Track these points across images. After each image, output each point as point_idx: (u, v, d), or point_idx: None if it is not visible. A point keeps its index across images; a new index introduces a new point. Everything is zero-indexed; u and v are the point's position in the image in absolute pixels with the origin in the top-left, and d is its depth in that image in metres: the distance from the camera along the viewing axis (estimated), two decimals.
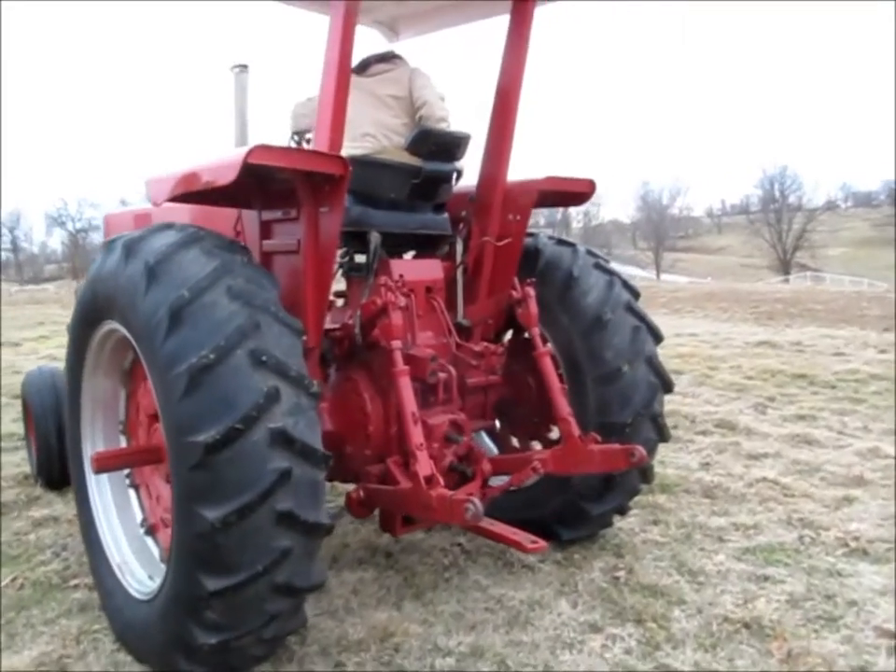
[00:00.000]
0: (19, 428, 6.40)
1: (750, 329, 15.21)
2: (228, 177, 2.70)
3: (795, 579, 3.71)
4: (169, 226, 2.92)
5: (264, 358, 2.49)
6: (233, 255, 2.79)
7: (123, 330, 2.87)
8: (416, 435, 2.95)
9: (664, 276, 64.23)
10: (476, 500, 2.59)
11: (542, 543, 2.96)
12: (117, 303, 2.84)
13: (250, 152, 2.63)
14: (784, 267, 66.81)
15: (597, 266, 3.92)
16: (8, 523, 4.56)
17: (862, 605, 3.44)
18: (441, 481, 2.84)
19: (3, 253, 69.09)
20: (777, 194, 75.81)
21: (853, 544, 4.13)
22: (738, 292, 27.45)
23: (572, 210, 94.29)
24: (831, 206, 79.12)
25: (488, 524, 3.17)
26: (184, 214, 3.80)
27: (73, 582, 3.70)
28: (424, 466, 2.87)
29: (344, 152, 3.65)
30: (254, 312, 2.57)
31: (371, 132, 3.66)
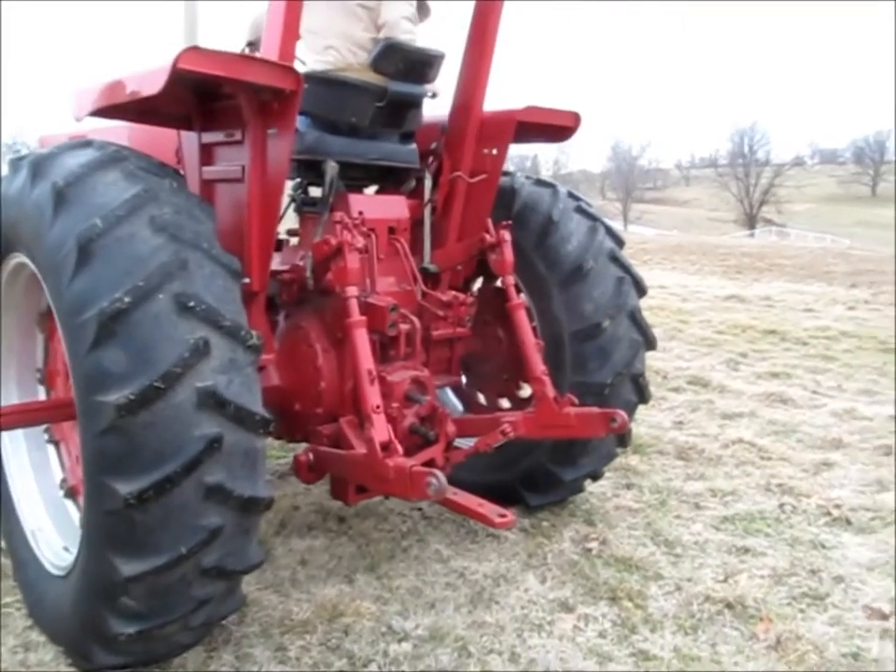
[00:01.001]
0: None
1: (719, 283, 15.05)
2: (155, 86, 2.25)
3: (777, 551, 3.48)
4: (88, 143, 2.47)
5: (192, 304, 2.08)
6: (161, 180, 2.35)
7: (32, 265, 2.45)
8: (373, 396, 2.58)
9: (631, 228, 64.08)
10: (439, 474, 2.25)
11: (511, 517, 2.65)
12: (22, 233, 2.41)
13: (180, 56, 2.18)
14: (750, 221, 67.11)
15: (579, 210, 3.54)
16: None
17: (849, 581, 3.22)
18: (400, 449, 2.49)
19: None
20: (746, 149, 75.71)
21: (835, 513, 3.91)
22: (706, 245, 27.41)
23: (541, 157, 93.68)
24: (798, 162, 79.34)
25: (451, 493, 2.84)
26: (122, 135, 3.33)
27: None
28: (380, 431, 2.51)
29: (305, 68, 3.19)
30: (181, 248, 2.15)
31: (335, 44, 3.16)
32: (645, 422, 5.41)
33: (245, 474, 2.17)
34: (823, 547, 3.55)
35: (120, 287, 2.02)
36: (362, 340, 2.65)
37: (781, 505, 4.00)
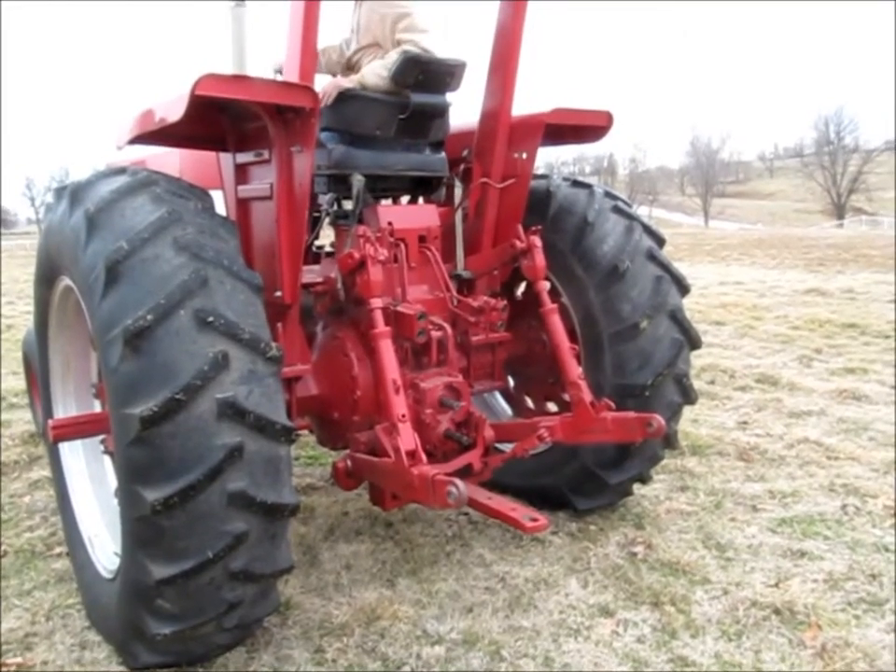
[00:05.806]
0: None
1: (799, 277, 14.52)
2: (177, 113, 2.37)
3: (836, 555, 3.34)
4: (121, 170, 2.61)
5: (211, 319, 2.17)
6: (187, 201, 2.46)
7: (74, 287, 2.59)
8: (398, 405, 2.62)
9: (712, 223, 62.49)
10: (459, 483, 2.26)
11: (542, 521, 2.63)
12: (65, 257, 2.56)
13: (198, 83, 2.29)
14: (838, 211, 64.39)
15: (616, 210, 3.50)
16: (6, 484, 4.42)
17: None
18: (424, 457, 2.52)
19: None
20: (833, 135, 72.61)
21: None
22: (789, 238, 26.48)
23: (617, 156, 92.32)
24: (889, 147, 75.34)
25: (485, 497, 2.86)
26: (174, 159, 3.49)
27: (56, 550, 3.51)
28: (406, 439, 2.55)
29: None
30: (202, 266, 2.25)
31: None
32: (707, 422, 5.28)
33: (268, 481, 2.24)
34: (887, 550, 3.39)
35: (144, 305, 2.13)
36: (387, 349, 2.70)
37: (844, 506, 3.84)
